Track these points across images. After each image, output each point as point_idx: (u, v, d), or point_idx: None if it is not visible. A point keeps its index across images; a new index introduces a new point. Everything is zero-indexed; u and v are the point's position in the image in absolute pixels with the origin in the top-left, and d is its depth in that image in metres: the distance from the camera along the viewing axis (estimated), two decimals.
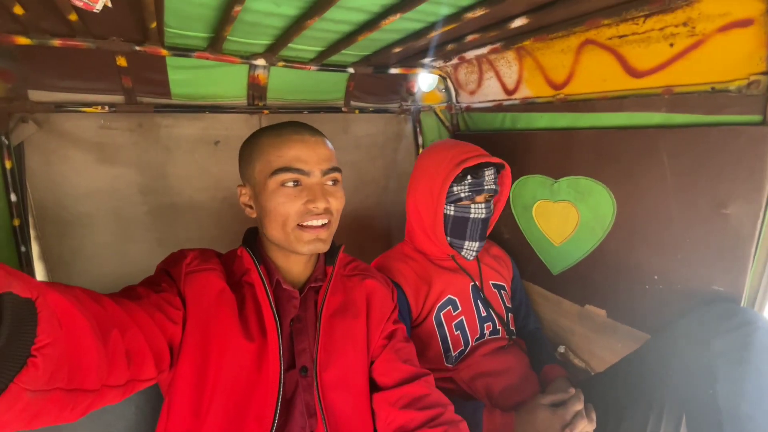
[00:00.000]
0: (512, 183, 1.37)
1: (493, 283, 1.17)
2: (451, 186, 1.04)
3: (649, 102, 0.99)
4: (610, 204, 1.09)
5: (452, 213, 1.06)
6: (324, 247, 0.79)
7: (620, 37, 0.97)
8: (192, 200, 1.32)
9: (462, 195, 1.04)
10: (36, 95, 1.03)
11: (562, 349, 1.30)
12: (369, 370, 0.86)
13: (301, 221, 0.76)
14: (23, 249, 1.03)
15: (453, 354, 1.04)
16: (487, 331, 1.10)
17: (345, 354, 0.80)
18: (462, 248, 1.09)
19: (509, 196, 1.40)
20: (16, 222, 1.01)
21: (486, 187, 1.05)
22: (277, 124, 0.81)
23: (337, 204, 0.80)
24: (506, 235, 1.45)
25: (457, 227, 1.07)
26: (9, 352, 0.38)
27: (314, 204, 0.75)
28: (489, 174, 1.05)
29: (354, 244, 1.64)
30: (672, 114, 0.96)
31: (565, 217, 1.22)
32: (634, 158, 1.03)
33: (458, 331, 1.06)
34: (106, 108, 1.11)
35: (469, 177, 1.03)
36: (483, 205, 1.06)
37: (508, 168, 1.14)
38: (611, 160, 1.08)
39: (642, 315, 1.07)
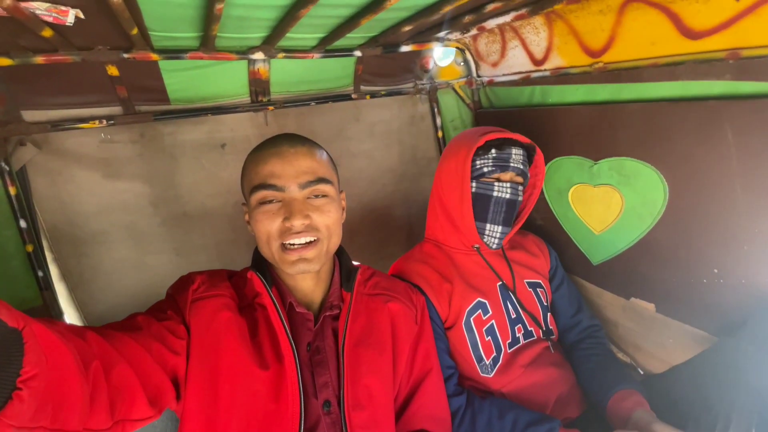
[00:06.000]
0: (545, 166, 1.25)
1: (528, 282, 1.07)
2: (474, 160, 0.99)
3: (709, 68, 0.84)
4: (661, 189, 0.96)
5: (474, 189, 1.00)
6: (313, 267, 0.73)
7: None
8: (204, 207, 1.27)
9: (485, 169, 0.98)
10: (30, 115, 0.98)
11: None
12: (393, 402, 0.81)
13: (283, 240, 0.71)
14: (40, 273, 1.02)
15: (486, 362, 0.97)
16: (519, 334, 1.01)
17: (373, 390, 0.74)
18: (484, 233, 1.02)
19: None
20: (29, 248, 0.99)
21: (512, 165, 0.99)
22: (269, 138, 0.77)
23: (324, 220, 0.73)
24: (539, 221, 1.34)
25: (480, 206, 1.00)
26: None
27: (290, 222, 0.70)
28: (517, 153, 0.99)
29: (375, 236, 1.57)
30: (738, 82, 0.81)
31: (607, 202, 1.09)
32: (691, 135, 0.88)
33: (489, 337, 0.98)
34: (104, 121, 1.05)
35: (493, 150, 0.98)
36: (508, 185, 0.99)
37: (540, 153, 1.04)
38: (662, 138, 0.94)
39: (699, 312, 0.96)
